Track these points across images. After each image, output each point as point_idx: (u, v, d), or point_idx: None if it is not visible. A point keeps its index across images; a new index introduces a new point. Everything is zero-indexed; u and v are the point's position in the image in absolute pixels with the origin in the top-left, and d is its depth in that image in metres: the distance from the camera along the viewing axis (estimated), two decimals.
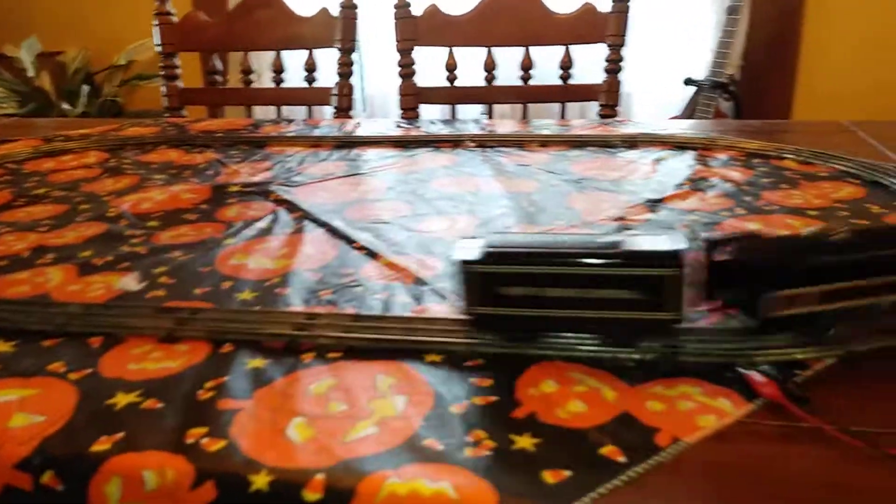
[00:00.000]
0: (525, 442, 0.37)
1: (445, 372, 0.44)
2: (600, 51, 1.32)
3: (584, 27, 1.31)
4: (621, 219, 0.69)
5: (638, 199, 0.75)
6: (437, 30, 1.34)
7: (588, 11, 1.31)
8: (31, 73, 2.20)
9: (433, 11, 1.33)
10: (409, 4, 1.32)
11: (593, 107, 1.34)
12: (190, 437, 0.39)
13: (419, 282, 0.57)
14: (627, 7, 1.30)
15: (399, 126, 1.18)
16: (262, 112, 1.64)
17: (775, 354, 0.43)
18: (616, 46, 1.30)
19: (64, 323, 0.53)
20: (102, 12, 2.36)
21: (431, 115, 1.69)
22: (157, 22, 1.44)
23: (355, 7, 1.32)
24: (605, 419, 0.38)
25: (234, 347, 0.49)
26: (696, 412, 0.39)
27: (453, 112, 1.38)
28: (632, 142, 0.98)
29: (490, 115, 1.37)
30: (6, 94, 2.15)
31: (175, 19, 1.45)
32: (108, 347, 0.50)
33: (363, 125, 1.20)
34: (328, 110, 1.44)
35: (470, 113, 1.95)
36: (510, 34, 1.33)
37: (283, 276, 0.60)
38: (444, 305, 0.53)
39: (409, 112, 1.34)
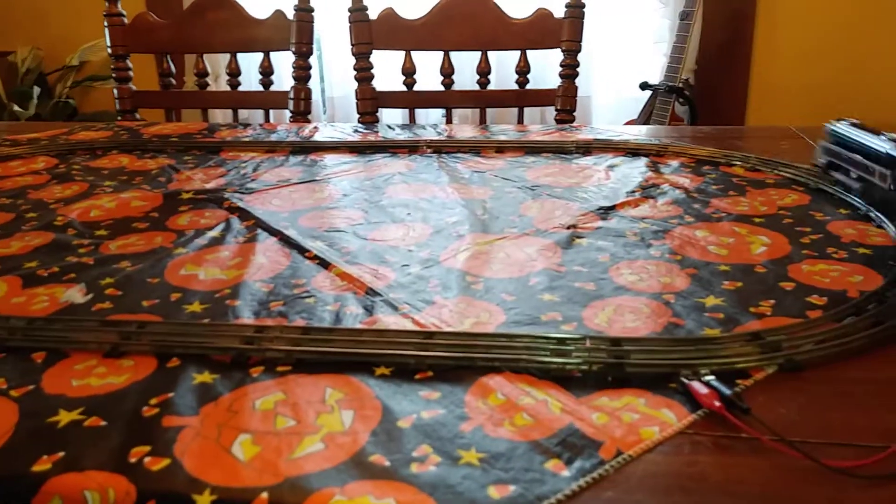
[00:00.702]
0: (471, 456, 0.37)
1: (395, 385, 0.44)
2: (558, 55, 1.34)
3: (539, 32, 1.32)
4: (573, 227, 0.70)
5: (590, 206, 0.76)
6: (393, 33, 1.34)
7: (543, 16, 1.32)
8: None
9: (388, 15, 1.33)
10: (365, 8, 1.32)
11: (553, 111, 1.36)
12: (133, 456, 0.38)
13: (371, 292, 0.57)
14: (582, 13, 1.31)
15: (357, 131, 1.17)
16: (221, 115, 1.62)
17: (718, 364, 0.44)
18: (571, 52, 1.31)
19: (5, 338, 0.51)
20: (55, 11, 2.30)
21: (392, 120, 1.69)
22: (107, 23, 1.41)
23: (311, 10, 1.31)
24: (550, 432, 0.39)
25: (181, 362, 0.48)
26: (639, 424, 0.39)
27: (412, 116, 1.38)
28: (586, 148, 0.99)
29: (449, 119, 1.38)
30: None
31: (126, 20, 1.42)
32: (52, 363, 0.49)
33: (321, 130, 1.20)
34: (286, 114, 1.43)
35: (430, 117, 1.95)
36: (466, 38, 1.33)
37: (234, 288, 0.59)
38: (395, 316, 0.53)
39: (368, 116, 1.33)
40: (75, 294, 0.59)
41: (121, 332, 0.51)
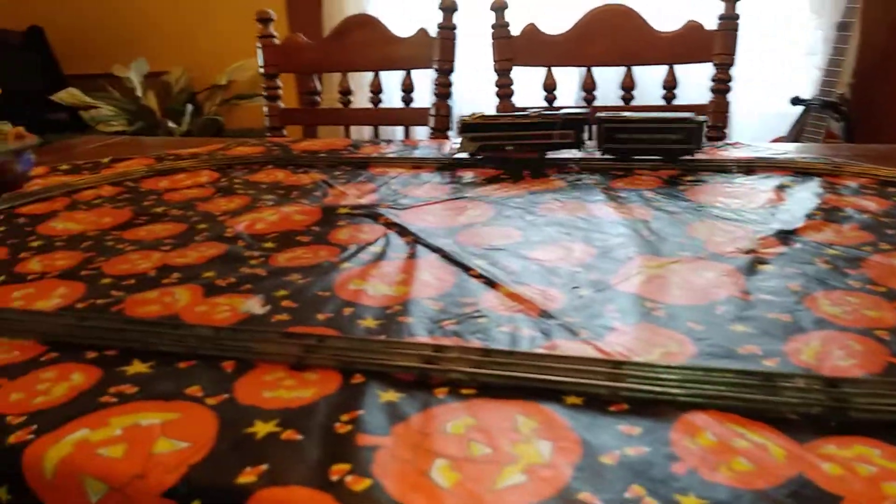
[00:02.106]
0: (690, 502, 0.34)
1: (589, 417, 0.42)
2: (704, 70, 1.28)
3: (690, 46, 1.27)
4: (752, 251, 0.66)
5: (766, 230, 0.71)
6: (535, 49, 1.33)
7: (693, 29, 1.27)
8: (139, 92, 2.31)
9: (530, 31, 1.32)
10: (507, 24, 1.31)
11: None
12: (334, 474, 0.38)
13: (545, 315, 0.56)
14: (736, 25, 1.25)
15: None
16: (356, 132, 1.66)
17: None
18: (724, 66, 1.25)
19: (195, 346, 0.53)
20: (204, 34, 2.46)
21: None
22: (260, 44, 1.48)
23: (454, 28, 1.33)
24: (777, 481, 0.35)
25: (365, 378, 0.48)
26: (879, 478, 0.35)
27: None
28: (748, 167, 0.94)
29: (589, 135, 1.35)
30: (116, 113, 2.26)
31: (277, 41, 1.49)
32: (241, 372, 0.50)
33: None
34: (422, 130, 1.45)
35: None
36: (610, 53, 1.30)
37: (404, 304, 0.59)
38: (575, 342, 0.51)
39: None
40: (255, 305, 0.61)
41: (303, 344, 0.52)
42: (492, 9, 1.29)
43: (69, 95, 2.33)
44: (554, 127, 0.99)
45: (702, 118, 0.96)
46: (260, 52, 1.48)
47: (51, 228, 0.88)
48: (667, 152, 0.97)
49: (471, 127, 1.02)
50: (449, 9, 1.29)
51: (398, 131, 1.87)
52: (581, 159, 1.02)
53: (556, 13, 1.40)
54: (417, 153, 1.16)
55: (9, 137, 1.14)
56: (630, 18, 1.26)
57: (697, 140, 0.95)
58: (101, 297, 0.65)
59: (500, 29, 1.30)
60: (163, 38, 2.56)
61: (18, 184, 1.09)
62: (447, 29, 1.31)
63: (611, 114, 1.02)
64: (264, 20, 1.45)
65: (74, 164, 1.22)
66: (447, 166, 1.06)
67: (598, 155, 1.03)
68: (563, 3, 1.78)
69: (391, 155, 1.15)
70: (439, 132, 1.34)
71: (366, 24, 1.40)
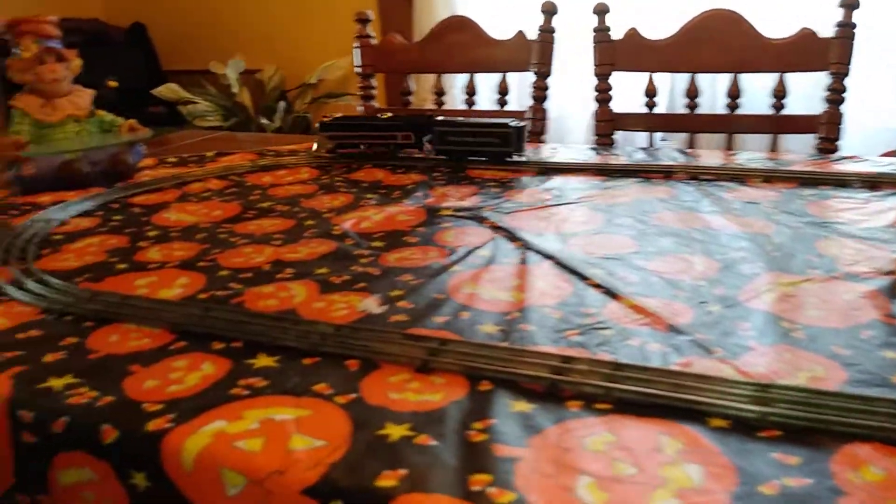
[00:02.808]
0: None
1: (739, 442, 0.40)
2: (812, 79, 1.22)
3: (802, 54, 1.22)
4: (892, 273, 0.62)
5: None
6: (637, 55, 1.30)
7: (806, 37, 1.22)
8: (234, 89, 2.38)
9: (633, 35, 1.29)
10: (608, 28, 1.28)
11: (794, 139, 1.24)
12: (475, 484, 0.37)
13: (674, 330, 0.54)
14: (853, 33, 1.19)
15: (598, 153, 1.14)
16: None
17: None
18: (839, 75, 1.19)
19: (318, 342, 0.54)
20: (296, 34, 2.52)
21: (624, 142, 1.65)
22: (358, 44, 1.50)
23: (553, 31, 1.31)
24: None
25: (492, 386, 0.47)
26: None
27: (650, 140, 1.33)
28: (873, 182, 0.89)
29: (690, 144, 1.31)
30: (212, 108, 2.34)
31: (374, 42, 1.51)
32: (366, 372, 0.50)
33: (559, 151, 1.18)
34: None
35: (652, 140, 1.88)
36: (717, 60, 1.26)
37: (523, 312, 0.58)
38: (710, 360, 0.49)
39: (604, 138, 1.30)
40: (372, 304, 0.61)
41: (426, 347, 0.51)
42: (594, 12, 1.27)
43: (169, 90, 2.42)
44: (400, 129, 1.10)
45: (522, 124, 1.06)
46: (357, 52, 1.50)
47: (165, 219, 0.90)
48: (491, 154, 1.07)
49: (328, 126, 1.14)
50: (549, 12, 1.28)
51: None
52: (687, 166, 0.99)
53: (659, 18, 1.36)
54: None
55: (122, 129, 1.19)
56: (739, 24, 1.22)
57: (517, 144, 1.05)
58: (221, 288, 0.66)
59: (602, 33, 1.28)
60: (257, 36, 2.63)
61: (130, 174, 1.14)
62: (546, 32, 1.29)
63: (445, 118, 1.11)
64: (363, 21, 1.47)
65: (181, 157, 1.26)
66: (547, 170, 1.04)
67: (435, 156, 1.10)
68: (667, 8, 1.74)
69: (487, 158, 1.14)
70: (535, 136, 1.33)
71: (463, 27, 1.40)
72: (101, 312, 0.61)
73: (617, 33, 1.30)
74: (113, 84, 1.34)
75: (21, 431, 0.48)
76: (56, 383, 0.50)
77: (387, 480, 0.38)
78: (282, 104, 2.34)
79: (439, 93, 1.47)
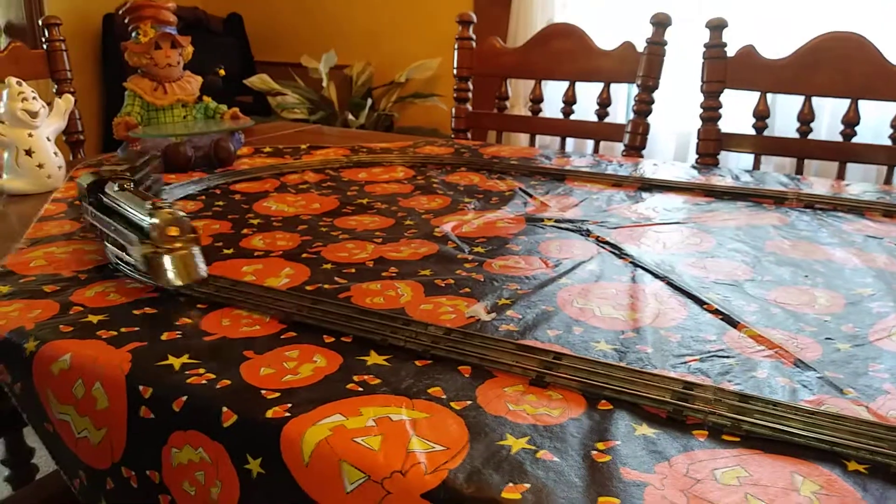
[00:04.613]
0: None
1: (880, 488, 0.38)
2: None
3: None
4: None
5: None
6: (751, 73, 1.25)
7: None
8: (324, 83, 2.42)
9: (747, 53, 1.25)
10: (723, 45, 1.24)
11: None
12: None
13: (802, 365, 0.51)
14: None
15: (701, 172, 1.11)
16: (539, 141, 1.64)
17: None
18: None
19: (430, 345, 0.53)
20: (387, 32, 2.55)
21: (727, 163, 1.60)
22: (457, 46, 1.50)
23: (664, 44, 1.28)
24: None
25: (611, 406, 0.46)
26: None
27: (756, 162, 1.28)
28: None
29: (799, 170, 1.26)
30: (300, 101, 2.39)
31: (474, 45, 1.50)
32: (480, 380, 0.49)
33: (660, 168, 1.15)
34: (612, 146, 1.41)
35: (739, 162, 1.82)
36: (836, 83, 1.20)
37: (638, 332, 0.57)
38: (843, 400, 0.46)
39: (708, 158, 1.26)
40: (480, 310, 0.60)
41: (541, 360, 0.50)
42: (707, 26, 1.23)
43: (260, 81, 2.49)
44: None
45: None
46: (456, 54, 1.50)
47: (265, 208, 0.92)
48: None
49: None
50: (662, 24, 1.25)
51: (583, 145, 1.83)
52: (801, 193, 0.95)
53: (777, 37, 1.31)
54: (611, 170, 1.12)
55: (225, 117, 1.22)
56: (863, 48, 1.16)
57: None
58: (327, 282, 0.67)
59: (715, 49, 1.24)
60: (348, 32, 2.67)
61: (230, 161, 1.17)
62: (657, 45, 1.26)
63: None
64: (465, 22, 1.47)
65: (276, 148, 1.29)
66: (651, 187, 1.01)
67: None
68: (786, 28, 1.68)
69: (586, 170, 1.12)
70: (634, 150, 1.30)
71: (569, 34, 1.38)
72: (212, 296, 0.63)
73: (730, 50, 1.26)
74: (222, 72, 1.37)
75: (139, 406, 0.50)
76: (174, 362, 0.52)
77: (510, 493, 0.37)
78: (369, 101, 2.37)
79: (536, 100, 1.45)
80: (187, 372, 0.50)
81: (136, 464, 0.51)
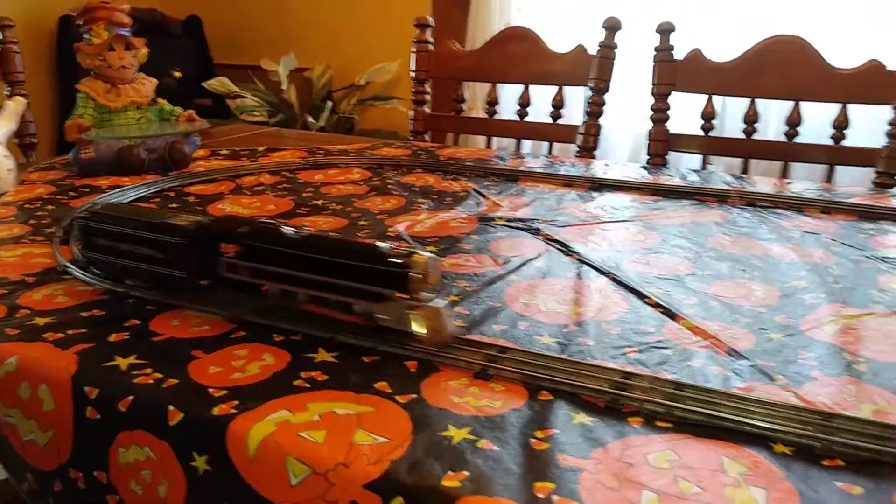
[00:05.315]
0: None
1: (802, 468, 0.40)
2: (876, 112, 1.20)
3: (867, 86, 1.20)
4: None
5: None
6: (699, 76, 1.29)
7: (873, 69, 1.20)
8: (284, 86, 2.41)
9: (695, 56, 1.28)
10: (671, 48, 1.28)
11: (846, 172, 1.22)
12: (539, 491, 0.38)
13: (735, 354, 0.53)
14: None
15: (650, 172, 1.14)
16: (496, 143, 1.66)
17: None
18: None
19: (377, 341, 0.54)
20: (348, 35, 2.55)
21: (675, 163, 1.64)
22: (415, 49, 1.51)
23: (615, 47, 1.31)
24: None
25: (552, 397, 0.47)
26: None
27: (704, 162, 1.32)
28: None
29: (744, 170, 1.29)
30: (259, 104, 2.38)
31: (431, 48, 1.52)
32: (425, 374, 0.50)
33: (611, 168, 1.18)
34: (567, 147, 1.44)
35: (689, 162, 1.87)
36: (779, 86, 1.25)
37: (580, 325, 0.58)
38: (772, 387, 0.49)
39: (657, 158, 1.29)
40: None
41: (485, 354, 0.52)
42: (658, 31, 1.26)
43: (219, 84, 2.47)
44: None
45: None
46: (413, 57, 1.51)
47: (220, 210, 0.92)
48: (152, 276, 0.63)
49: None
50: (613, 28, 1.27)
51: (540, 146, 1.85)
52: (744, 191, 0.98)
53: (723, 41, 1.35)
54: (564, 170, 1.14)
55: (180, 120, 1.21)
56: (805, 52, 1.20)
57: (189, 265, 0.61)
58: None
59: (664, 53, 1.27)
60: (308, 36, 2.66)
61: (185, 164, 1.16)
62: (608, 48, 1.29)
63: (101, 206, 0.68)
64: (422, 26, 1.48)
65: (233, 150, 1.29)
66: (600, 187, 1.04)
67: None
68: (732, 32, 1.73)
69: (539, 170, 1.14)
70: (586, 151, 1.32)
71: (524, 38, 1.40)
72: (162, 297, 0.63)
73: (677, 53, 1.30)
74: (177, 74, 1.36)
75: (85, 407, 0.50)
76: (121, 362, 0.52)
77: (450, 481, 0.38)
78: (329, 104, 2.37)
79: (492, 102, 1.47)
80: (134, 372, 0.50)
81: (84, 465, 0.51)
